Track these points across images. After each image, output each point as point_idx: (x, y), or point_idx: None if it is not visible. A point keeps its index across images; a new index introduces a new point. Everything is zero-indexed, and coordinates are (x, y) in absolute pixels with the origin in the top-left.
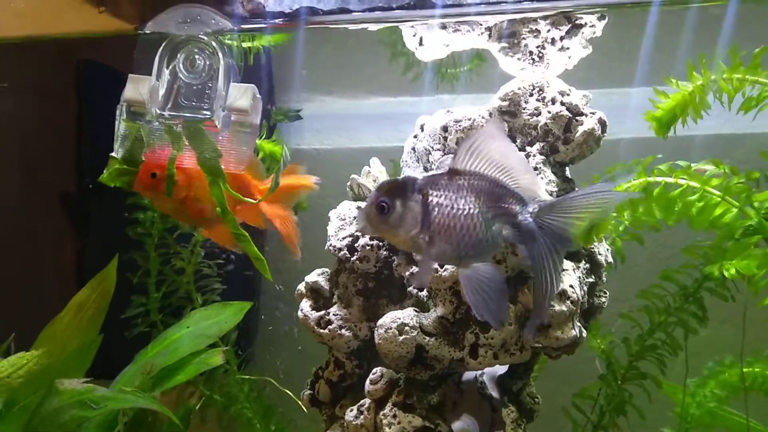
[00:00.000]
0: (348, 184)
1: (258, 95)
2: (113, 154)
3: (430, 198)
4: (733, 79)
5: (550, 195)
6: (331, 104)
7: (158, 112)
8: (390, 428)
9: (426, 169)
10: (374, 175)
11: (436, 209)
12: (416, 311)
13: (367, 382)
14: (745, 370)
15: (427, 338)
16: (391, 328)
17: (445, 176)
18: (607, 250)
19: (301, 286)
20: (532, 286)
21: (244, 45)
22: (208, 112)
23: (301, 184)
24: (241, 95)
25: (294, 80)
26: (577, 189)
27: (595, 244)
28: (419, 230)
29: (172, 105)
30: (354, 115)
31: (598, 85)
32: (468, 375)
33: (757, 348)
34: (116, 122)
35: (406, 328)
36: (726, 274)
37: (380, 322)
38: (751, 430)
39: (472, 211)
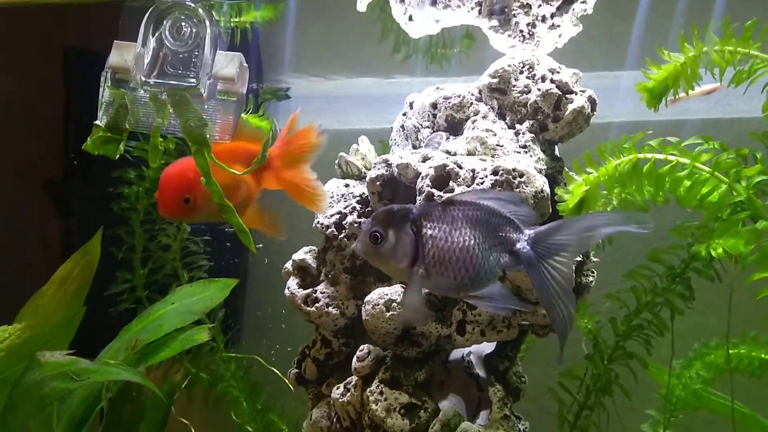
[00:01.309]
0: (336, 161)
1: (245, 64)
2: (97, 121)
3: (424, 230)
4: (725, 51)
5: (539, 173)
6: (319, 84)
7: (143, 79)
8: (377, 405)
9: (415, 147)
10: (362, 153)
11: (430, 242)
12: (404, 288)
13: (354, 359)
14: (730, 351)
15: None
16: (378, 304)
17: (439, 207)
18: None
19: (288, 264)
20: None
21: (232, 21)
22: (194, 80)
23: (309, 140)
24: (228, 63)
25: (282, 59)
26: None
27: None
28: (409, 262)
29: (158, 72)
30: (343, 96)
31: (588, 68)
32: (455, 354)
33: (743, 330)
34: (100, 89)
35: (394, 304)
36: (713, 253)
37: (367, 298)
38: (736, 412)
39: (468, 243)
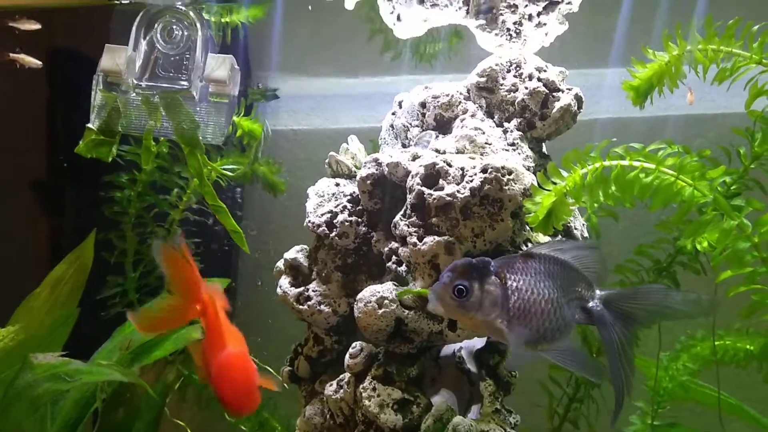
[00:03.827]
0: (326, 161)
1: (236, 66)
2: (89, 125)
3: (509, 282)
4: (708, 50)
5: (528, 170)
6: (308, 84)
7: (135, 82)
8: (370, 401)
9: (404, 146)
10: (352, 152)
11: (516, 294)
12: (395, 285)
13: (347, 356)
14: (716, 343)
15: (407, 311)
16: (370, 302)
17: (520, 259)
18: (583, 225)
19: (280, 263)
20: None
21: (222, 20)
22: (186, 83)
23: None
24: (219, 66)
25: (271, 58)
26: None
27: (572, 218)
28: (498, 315)
29: (149, 75)
30: (332, 96)
31: (573, 66)
32: (446, 350)
33: (728, 322)
34: (92, 93)
35: (386, 301)
36: (698, 247)
37: (360, 296)
38: (722, 402)
39: (551, 295)
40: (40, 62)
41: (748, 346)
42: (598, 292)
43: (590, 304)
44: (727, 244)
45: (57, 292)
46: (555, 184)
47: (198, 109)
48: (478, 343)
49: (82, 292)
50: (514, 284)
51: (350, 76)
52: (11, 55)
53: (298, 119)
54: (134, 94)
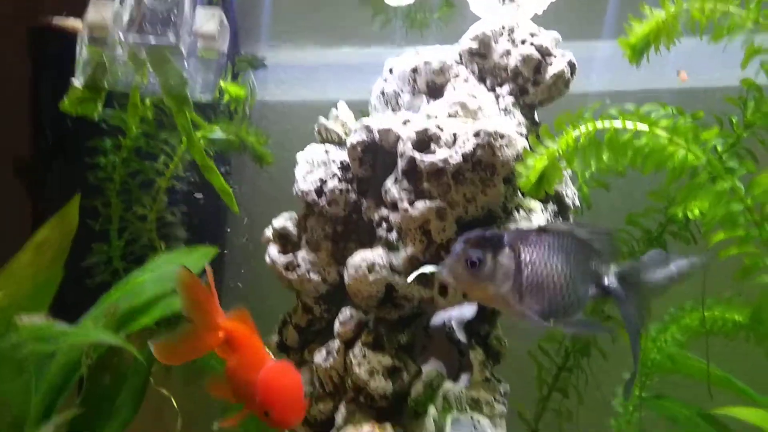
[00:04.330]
0: (316, 128)
1: (225, 22)
2: (74, 81)
3: (523, 255)
4: (705, 8)
5: (520, 135)
6: (296, 54)
7: (122, 37)
8: (359, 368)
9: (395, 112)
10: (342, 119)
11: (529, 267)
12: (386, 251)
13: (336, 323)
14: (705, 314)
15: (397, 277)
16: (360, 267)
17: (534, 233)
18: (574, 193)
19: (268, 231)
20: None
21: None
22: (174, 38)
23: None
24: (208, 20)
25: (259, 28)
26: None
27: (563, 186)
28: (510, 287)
29: (137, 30)
30: (320, 67)
31: (565, 38)
32: (436, 320)
33: (717, 292)
34: (77, 48)
35: (376, 267)
36: (690, 215)
37: (350, 261)
38: (711, 374)
39: (564, 270)
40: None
41: (736, 317)
42: (613, 267)
43: (605, 280)
44: (720, 207)
45: (40, 255)
46: (547, 147)
47: (186, 65)
48: (468, 313)
49: (66, 255)
50: (528, 257)
51: (340, 47)
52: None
53: (286, 90)
54: (121, 50)
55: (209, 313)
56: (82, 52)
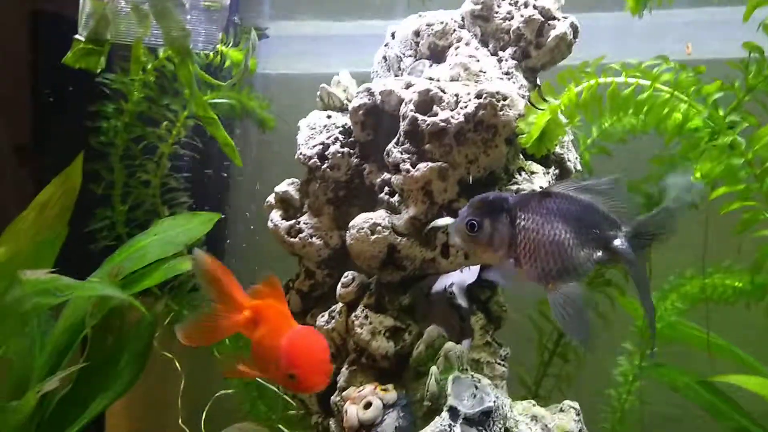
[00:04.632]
0: (318, 93)
1: None
2: (77, 36)
3: (518, 220)
4: None
5: (522, 98)
6: (298, 27)
7: None
8: (362, 329)
9: (397, 76)
10: (344, 84)
11: (523, 233)
12: (388, 213)
13: (339, 286)
14: (705, 281)
15: (399, 238)
16: (363, 228)
17: (536, 198)
18: (576, 158)
19: (271, 198)
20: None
21: None
22: None
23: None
24: None
25: (261, 1)
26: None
27: (565, 149)
28: (506, 251)
29: None
30: (322, 39)
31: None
32: (437, 287)
33: (717, 260)
34: (80, 1)
35: (378, 227)
36: (692, 178)
37: (352, 223)
38: (711, 343)
39: (558, 237)
40: None
41: (736, 283)
42: (623, 229)
43: (614, 242)
44: (721, 162)
45: (44, 214)
46: (549, 103)
47: (189, 17)
48: (469, 278)
49: (70, 214)
50: (523, 223)
51: (341, 19)
52: None
53: (288, 63)
54: (123, 2)
55: (231, 295)
56: (86, 5)
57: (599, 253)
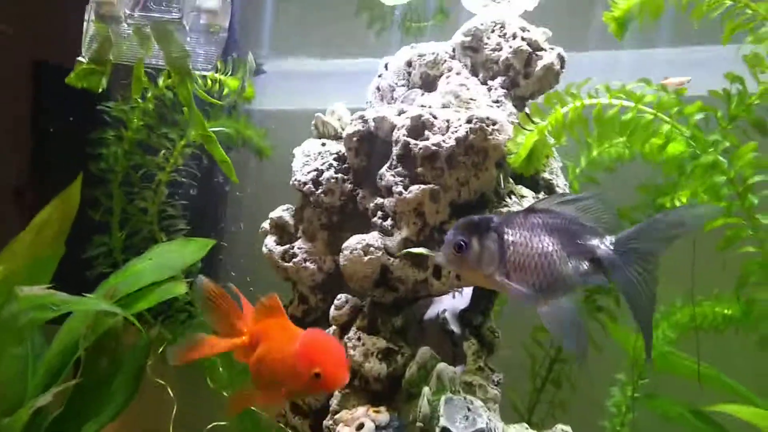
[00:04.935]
0: (312, 122)
1: None
2: (80, 58)
3: (506, 236)
4: None
5: (511, 124)
6: (297, 64)
7: (128, 13)
8: (354, 350)
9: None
10: (338, 114)
11: (512, 248)
12: (381, 235)
13: (332, 308)
14: (695, 309)
15: (392, 259)
16: (356, 249)
17: (521, 214)
18: (565, 184)
19: (266, 223)
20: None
21: None
22: (178, 13)
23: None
24: None
25: (260, 39)
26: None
27: (554, 175)
28: (496, 268)
29: (142, 6)
30: (321, 76)
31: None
32: (430, 313)
33: (707, 287)
34: (84, 24)
35: (371, 248)
36: (677, 203)
37: (345, 244)
38: (702, 373)
39: (546, 249)
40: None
41: (725, 311)
42: (607, 239)
43: (598, 253)
44: (704, 180)
45: (42, 235)
46: (536, 124)
47: (189, 39)
48: (461, 303)
49: (67, 234)
50: (510, 238)
51: (340, 57)
52: None
53: (288, 100)
54: (126, 25)
55: (231, 321)
56: (89, 28)
57: (586, 265)
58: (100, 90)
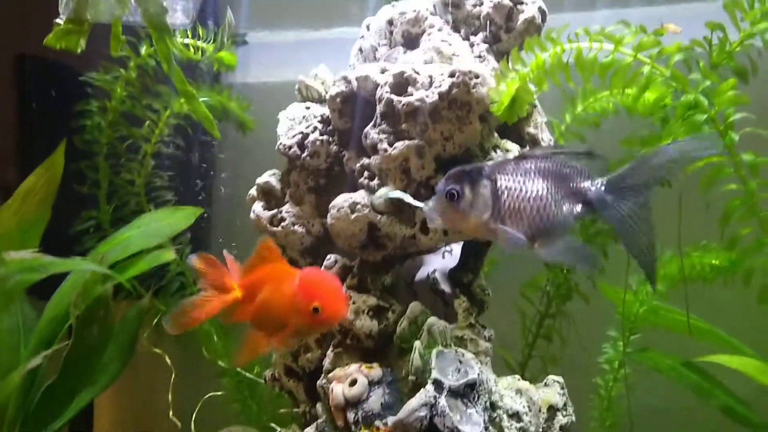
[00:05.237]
0: (296, 86)
1: None
2: (57, 19)
3: (499, 182)
4: None
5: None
6: (278, 36)
7: None
8: None
9: None
10: (322, 77)
11: (506, 193)
12: (368, 193)
13: (322, 268)
14: (683, 261)
15: (379, 216)
16: (343, 207)
17: (512, 161)
18: (550, 139)
19: (253, 190)
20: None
21: None
22: None
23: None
24: None
25: (241, 9)
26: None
27: (539, 130)
28: (490, 215)
29: None
30: (302, 47)
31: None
32: (420, 274)
33: (693, 239)
34: None
35: (358, 206)
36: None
37: (333, 203)
38: (693, 326)
39: (541, 192)
40: None
41: (713, 261)
42: (598, 180)
43: (590, 194)
44: (686, 121)
45: (28, 202)
46: (518, 71)
47: None
48: (451, 263)
49: (53, 199)
50: (504, 184)
51: (321, 28)
52: None
53: (269, 71)
54: None
55: (221, 280)
56: None
57: (579, 207)
58: (79, 51)
